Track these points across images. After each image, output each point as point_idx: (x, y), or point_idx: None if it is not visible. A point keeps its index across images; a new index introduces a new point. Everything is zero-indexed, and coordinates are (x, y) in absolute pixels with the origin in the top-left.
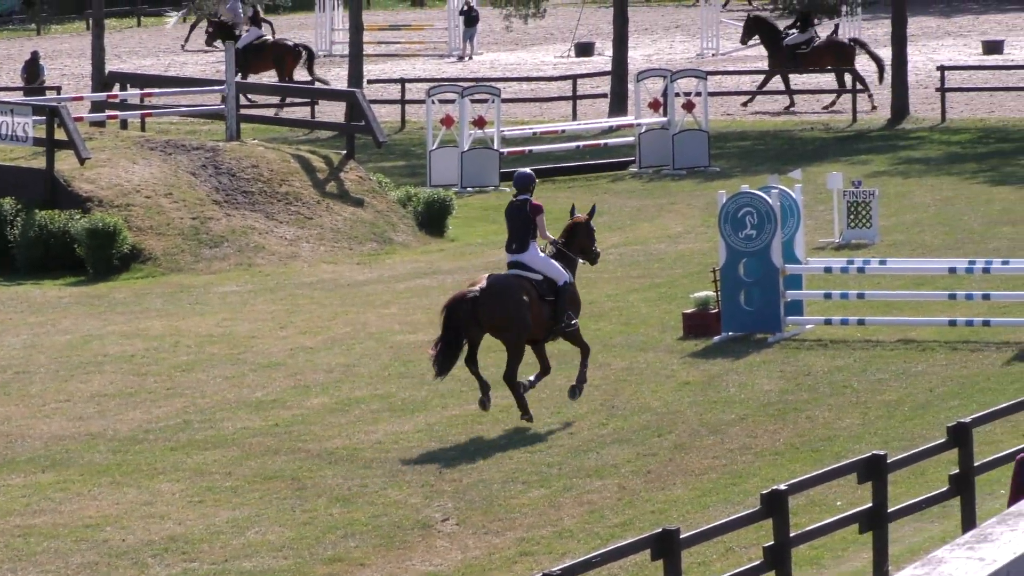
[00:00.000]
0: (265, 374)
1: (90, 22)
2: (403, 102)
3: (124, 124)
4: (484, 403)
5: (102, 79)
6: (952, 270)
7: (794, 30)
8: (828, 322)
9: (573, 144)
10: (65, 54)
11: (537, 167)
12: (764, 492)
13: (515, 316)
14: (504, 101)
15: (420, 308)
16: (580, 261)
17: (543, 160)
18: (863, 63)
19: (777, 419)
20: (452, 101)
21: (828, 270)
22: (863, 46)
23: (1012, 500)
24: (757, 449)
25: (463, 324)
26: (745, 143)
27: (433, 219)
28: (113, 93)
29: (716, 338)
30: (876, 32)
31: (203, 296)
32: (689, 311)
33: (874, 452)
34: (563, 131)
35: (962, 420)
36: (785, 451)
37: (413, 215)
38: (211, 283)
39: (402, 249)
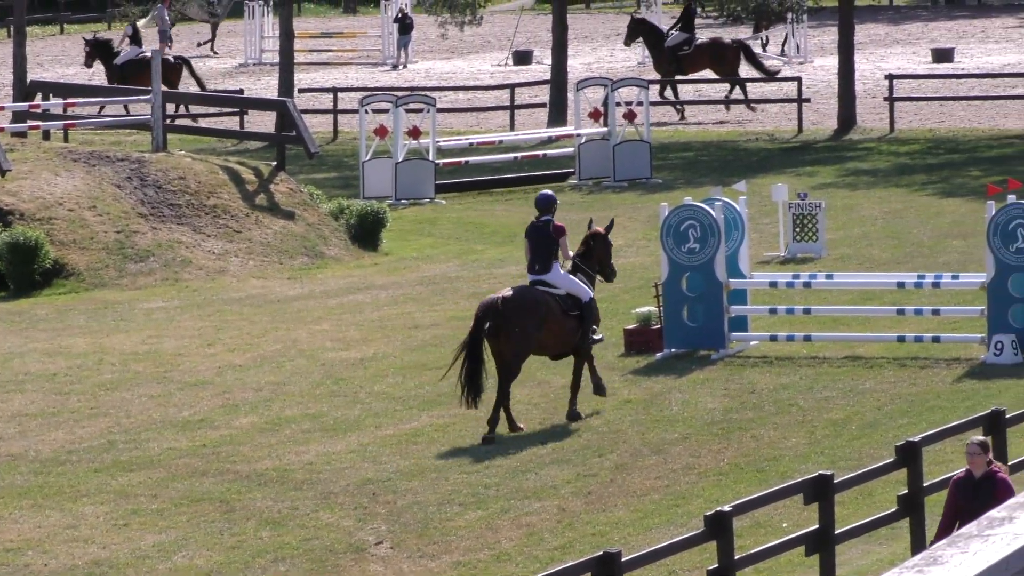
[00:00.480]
0: (192, 393)
1: (11, 29)
2: (335, 112)
3: (46, 135)
4: (491, 435)
5: (24, 88)
6: (901, 285)
7: (675, 30)
8: (773, 338)
9: (511, 155)
10: None
11: (473, 179)
12: (708, 514)
13: (526, 330)
14: (440, 111)
15: (353, 324)
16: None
17: (480, 172)
18: (809, 71)
19: (721, 438)
20: (386, 111)
21: (773, 285)
22: (747, 51)
23: (944, 525)
24: (700, 469)
25: (491, 334)
26: (688, 154)
27: (366, 232)
28: (35, 103)
29: (658, 355)
30: (823, 40)
31: (128, 312)
32: (631, 327)
33: (821, 472)
34: (500, 142)
35: (911, 439)
36: (729, 471)
37: (346, 228)
38: (136, 299)
39: (334, 263)
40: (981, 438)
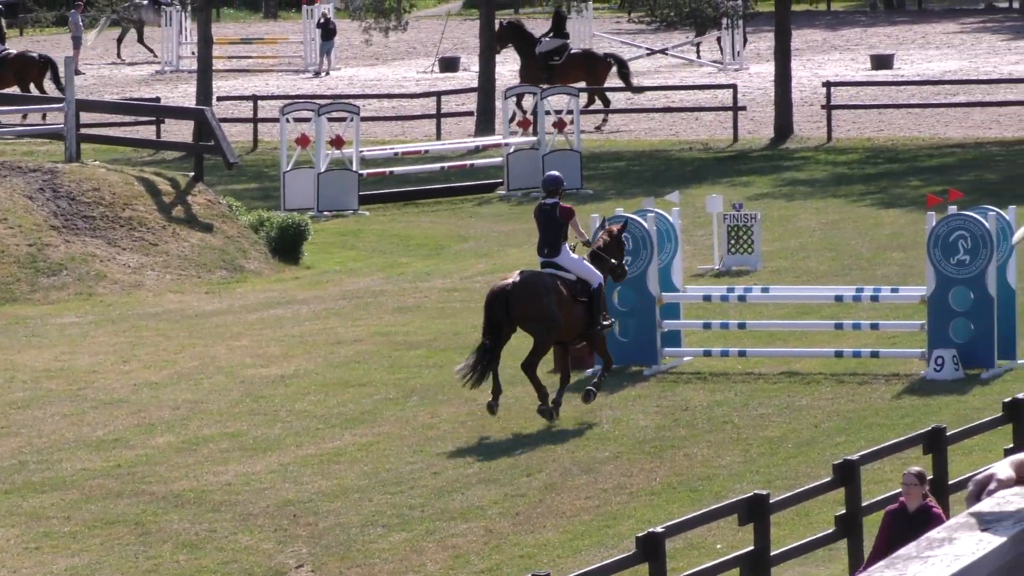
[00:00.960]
0: (106, 411)
1: None
2: (255, 120)
3: None
4: (492, 407)
5: None
6: (839, 298)
7: (547, 36)
8: (707, 353)
9: (437, 165)
10: None
11: (398, 190)
12: (640, 535)
13: (547, 308)
14: (363, 119)
15: (273, 340)
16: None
17: (405, 182)
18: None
19: (653, 457)
20: (308, 120)
21: (707, 298)
22: (620, 66)
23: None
24: (632, 489)
25: (499, 320)
26: (620, 163)
27: (287, 245)
28: None
29: (589, 371)
30: (759, 46)
31: (40, 328)
32: None
33: (756, 492)
34: (426, 151)
35: (849, 457)
36: (662, 491)
37: (266, 241)
38: (49, 314)
39: (254, 277)
40: (918, 469)
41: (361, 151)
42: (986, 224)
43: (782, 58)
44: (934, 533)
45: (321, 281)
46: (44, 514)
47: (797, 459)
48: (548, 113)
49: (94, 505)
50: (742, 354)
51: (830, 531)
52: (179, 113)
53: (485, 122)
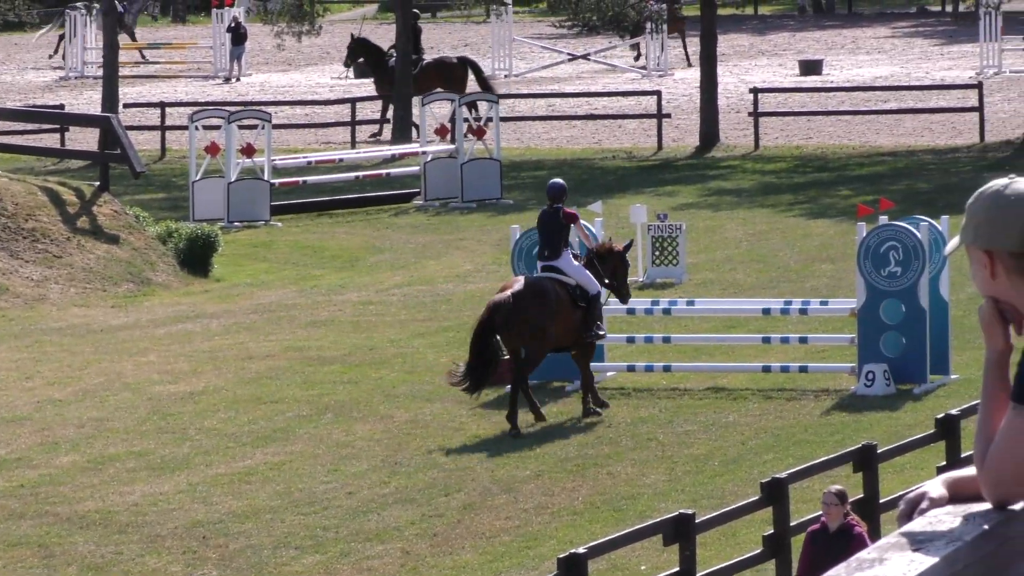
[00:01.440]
0: (8, 429)
1: None
2: (163, 128)
3: None
4: (540, 415)
5: None
6: (766, 311)
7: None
8: (631, 368)
9: (352, 174)
10: None
11: (312, 200)
12: (561, 556)
13: (546, 324)
14: (276, 127)
15: (182, 355)
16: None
17: (319, 192)
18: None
19: (575, 475)
20: (218, 127)
21: (631, 312)
22: (475, 67)
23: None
24: (554, 508)
25: (502, 329)
26: (541, 173)
27: (196, 257)
28: None
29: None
30: (682, 51)
31: None
32: None
33: (681, 511)
34: (341, 160)
35: (777, 475)
36: (584, 510)
37: (174, 253)
38: None
39: (162, 290)
40: (839, 487)
41: (273, 160)
42: (918, 235)
43: (708, 64)
44: (864, 553)
45: (231, 294)
46: None
47: (724, 477)
48: (466, 120)
49: None
50: (667, 369)
51: (758, 551)
52: (84, 120)
53: (401, 130)
